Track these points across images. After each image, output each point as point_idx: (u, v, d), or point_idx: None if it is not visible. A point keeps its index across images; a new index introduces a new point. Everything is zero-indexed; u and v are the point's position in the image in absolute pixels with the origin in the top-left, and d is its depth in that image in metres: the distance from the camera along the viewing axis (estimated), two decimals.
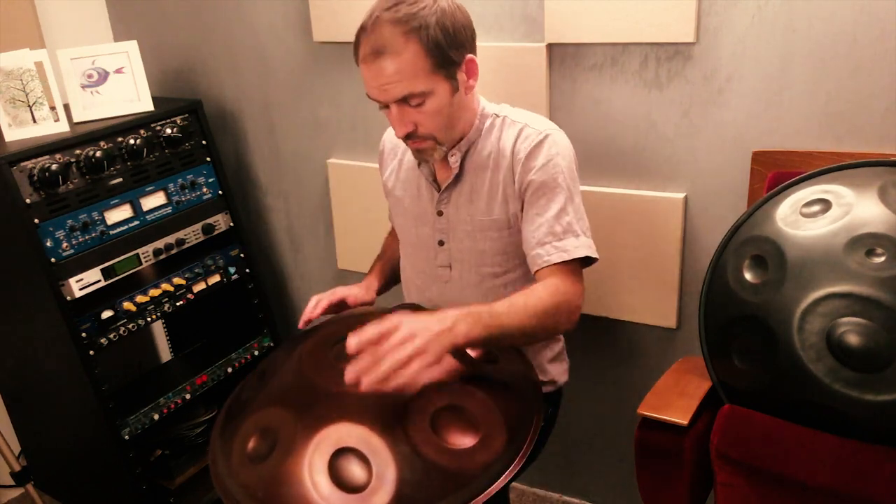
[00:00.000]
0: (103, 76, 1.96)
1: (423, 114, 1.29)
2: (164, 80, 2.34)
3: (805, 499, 1.22)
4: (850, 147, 1.47)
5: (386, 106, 1.30)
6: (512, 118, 1.40)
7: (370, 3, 1.85)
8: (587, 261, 1.32)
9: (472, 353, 1.26)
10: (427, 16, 1.23)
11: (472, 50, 1.32)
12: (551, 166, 1.32)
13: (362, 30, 1.26)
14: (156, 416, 1.95)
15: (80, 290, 1.77)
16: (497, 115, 1.41)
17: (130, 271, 1.88)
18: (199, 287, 2.04)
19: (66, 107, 1.93)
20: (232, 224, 2.11)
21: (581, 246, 1.30)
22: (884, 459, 1.15)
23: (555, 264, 1.28)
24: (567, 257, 1.28)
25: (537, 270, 1.30)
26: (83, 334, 1.79)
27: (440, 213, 1.44)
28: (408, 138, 1.33)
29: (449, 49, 1.26)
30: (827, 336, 1.17)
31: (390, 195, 1.55)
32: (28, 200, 1.69)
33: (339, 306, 1.51)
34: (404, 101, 1.27)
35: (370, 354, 1.01)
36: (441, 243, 1.45)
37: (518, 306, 1.18)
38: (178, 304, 1.99)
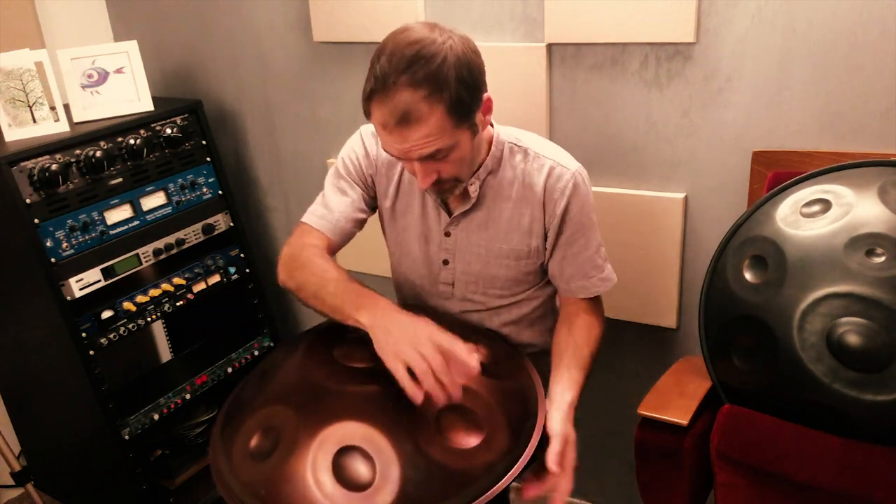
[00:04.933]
0: (103, 76, 1.96)
1: (447, 163, 1.25)
2: (164, 80, 2.34)
3: (805, 499, 1.22)
4: (850, 147, 1.47)
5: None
6: (535, 150, 1.37)
7: (370, 3, 1.87)
8: None
9: (476, 354, 1.26)
10: (447, 71, 1.16)
11: (486, 86, 1.26)
12: (587, 207, 1.38)
13: (376, 92, 1.17)
14: (156, 416, 1.94)
15: (80, 290, 1.77)
16: (517, 145, 1.38)
17: (130, 271, 1.88)
18: (199, 287, 2.04)
19: (66, 107, 1.93)
20: (232, 224, 2.11)
21: (612, 273, 1.45)
22: (884, 459, 1.15)
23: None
24: (609, 286, 1.44)
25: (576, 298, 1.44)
26: (83, 334, 1.78)
27: (447, 234, 1.43)
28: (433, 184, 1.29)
29: (470, 102, 1.21)
30: (827, 336, 1.18)
31: (385, 209, 1.49)
32: (28, 200, 1.68)
33: None
34: (429, 157, 1.22)
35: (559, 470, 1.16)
36: (446, 262, 1.45)
37: (592, 358, 1.38)
38: (178, 304, 1.99)
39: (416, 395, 1.10)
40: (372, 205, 1.52)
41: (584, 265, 1.40)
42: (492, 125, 1.38)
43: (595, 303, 1.45)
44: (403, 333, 1.14)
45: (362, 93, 1.21)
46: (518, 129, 1.42)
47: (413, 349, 1.11)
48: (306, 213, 1.49)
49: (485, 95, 1.26)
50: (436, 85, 1.15)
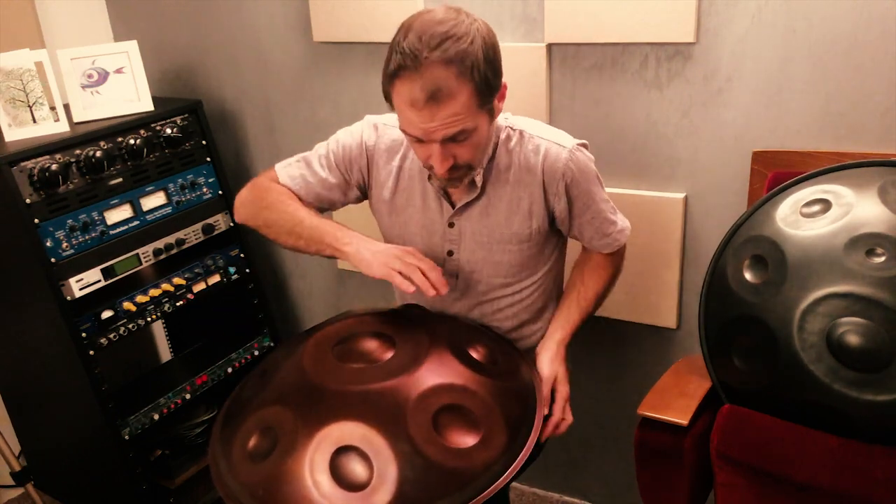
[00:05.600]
0: (103, 76, 1.96)
1: (466, 147, 1.25)
2: (164, 80, 2.34)
3: (805, 499, 1.22)
4: (850, 147, 1.47)
5: (420, 140, 1.24)
6: (529, 132, 1.37)
7: (370, 3, 1.87)
8: None
9: (474, 354, 1.26)
10: (476, 51, 1.17)
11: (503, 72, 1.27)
12: (589, 178, 1.38)
13: (405, 69, 1.16)
14: (156, 416, 1.95)
15: (80, 290, 1.77)
16: (512, 128, 1.38)
17: (130, 271, 1.88)
18: (199, 287, 2.04)
19: (66, 107, 1.93)
20: (232, 224, 2.11)
21: (625, 220, 1.48)
22: (884, 459, 1.15)
23: None
24: (627, 234, 1.48)
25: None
26: (83, 334, 1.79)
27: (451, 225, 1.42)
28: (447, 170, 1.28)
29: (494, 84, 1.22)
30: (827, 336, 1.17)
31: (383, 202, 1.47)
32: (28, 200, 1.69)
33: None
34: (451, 138, 1.22)
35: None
36: (450, 253, 1.45)
37: (598, 297, 1.48)
38: (178, 304, 1.99)
39: (407, 287, 1.29)
40: (350, 194, 1.50)
41: (600, 226, 1.43)
42: None
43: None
44: (386, 251, 1.33)
45: (384, 72, 1.20)
46: (510, 113, 1.41)
47: (398, 259, 1.31)
48: (283, 162, 1.51)
49: (503, 80, 1.27)
50: (467, 63, 1.16)
